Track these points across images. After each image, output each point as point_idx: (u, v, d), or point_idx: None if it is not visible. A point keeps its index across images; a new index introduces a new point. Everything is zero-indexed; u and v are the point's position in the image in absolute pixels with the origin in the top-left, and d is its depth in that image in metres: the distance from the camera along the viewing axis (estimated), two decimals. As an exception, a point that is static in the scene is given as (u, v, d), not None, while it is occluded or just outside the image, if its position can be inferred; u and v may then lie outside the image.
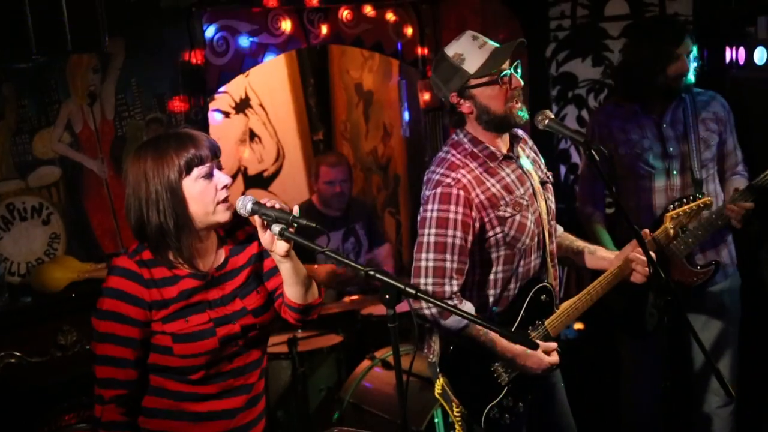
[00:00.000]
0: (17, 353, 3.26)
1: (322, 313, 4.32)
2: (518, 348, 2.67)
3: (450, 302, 2.60)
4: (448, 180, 2.62)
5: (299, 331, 4.16)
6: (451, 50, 2.67)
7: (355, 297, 4.57)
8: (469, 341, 2.67)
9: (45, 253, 3.46)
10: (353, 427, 3.62)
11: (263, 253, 2.40)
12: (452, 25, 4.81)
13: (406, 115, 5.31)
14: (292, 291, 2.33)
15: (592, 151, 2.60)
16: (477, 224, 2.64)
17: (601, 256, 2.92)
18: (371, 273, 2.05)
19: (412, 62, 4.85)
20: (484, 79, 2.62)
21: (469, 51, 2.63)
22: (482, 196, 2.63)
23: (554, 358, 2.72)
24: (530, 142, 2.91)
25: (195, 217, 2.24)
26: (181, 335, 2.24)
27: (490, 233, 2.66)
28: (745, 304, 3.68)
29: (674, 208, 3.03)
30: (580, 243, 2.99)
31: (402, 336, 2.33)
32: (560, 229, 3.03)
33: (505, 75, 2.63)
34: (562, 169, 4.82)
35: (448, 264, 2.61)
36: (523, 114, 2.67)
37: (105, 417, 2.26)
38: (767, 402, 3.99)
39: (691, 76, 3.43)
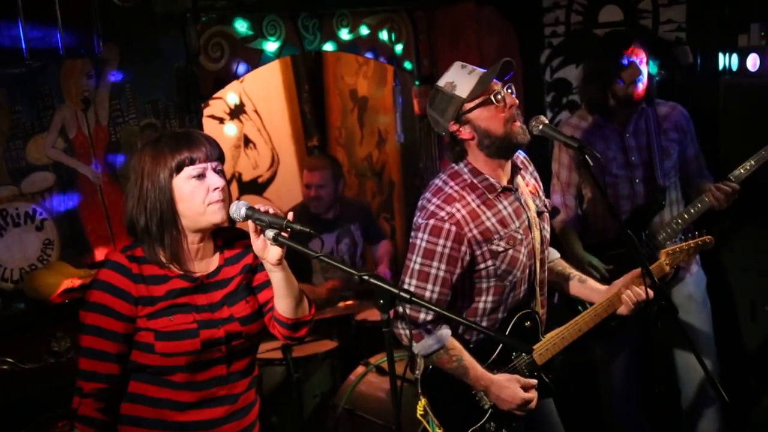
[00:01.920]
0: (10, 359, 3.23)
1: (317, 318, 4.32)
2: (494, 378, 2.65)
3: (423, 327, 2.61)
4: (442, 213, 2.61)
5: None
6: (442, 81, 2.67)
7: (349, 302, 4.56)
8: (440, 366, 2.66)
9: (38, 259, 3.44)
10: (348, 433, 3.61)
11: (258, 267, 2.39)
12: (447, 31, 4.81)
13: (401, 121, 5.30)
14: (282, 304, 2.31)
15: (586, 157, 2.60)
16: (467, 258, 2.63)
17: (591, 287, 2.93)
18: (365, 277, 2.04)
19: (407, 68, 4.85)
20: (477, 101, 2.61)
21: (459, 78, 2.64)
22: (476, 231, 2.62)
23: (531, 394, 2.68)
24: (531, 168, 2.89)
25: (186, 217, 2.25)
26: (163, 332, 2.24)
27: (482, 265, 2.66)
28: (714, 304, 3.76)
29: (672, 244, 3.02)
30: (572, 271, 2.99)
31: (396, 341, 2.33)
32: (556, 254, 3.03)
33: (498, 94, 2.62)
34: (557, 176, 4.82)
35: (427, 293, 2.61)
36: (525, 133, 2.65)
37: (81, 410, 2.25)
38: (751, 395, 4.00)
39: (641, 85, 3.52)
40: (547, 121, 2.71)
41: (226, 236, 2.36)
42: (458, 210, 2.61)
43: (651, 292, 2.74)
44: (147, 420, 2.30)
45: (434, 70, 4.82)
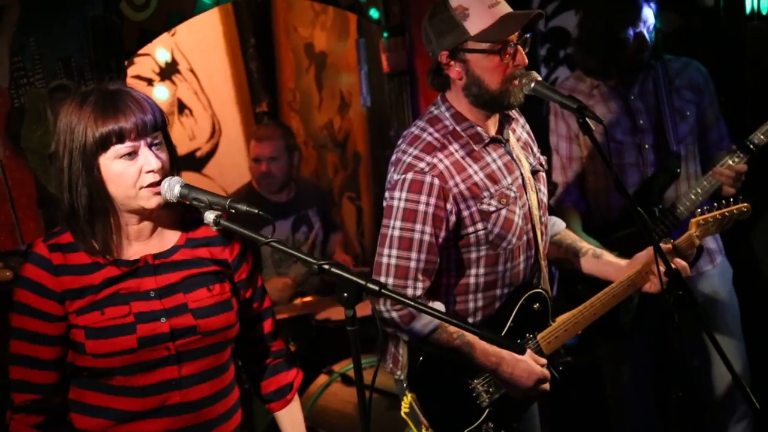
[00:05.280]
0: None
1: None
2: (504, 353, 2.67)
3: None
4: (422, 165, 2.62)
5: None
6: (455, 0, 2.63)
7: (308, 299, 4.55)
8: (440, 348, 2.67)
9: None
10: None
11: (245, 254, 2.40)
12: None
13: (367, 82, 5.28)
14: None
15: (587, 120, 2.60)
16: (453, 218, 2.64)
17: (608, 261, 2.95)
18: (326, 267, 2.04)
19: (373, 18, 4.82)
20: (484, 46, 2.61)
21: (476, 8, 2.60)
22: (462, 186, 2.64)
23: (546, 371, 2.72)
24: (522, 121, 2.92)
25: (117, 199, 2.22)
26: (93, 329, 2.22)
27: (470, 229, 2.67)
28: (743, 300, 3.77)
29: (702, 213, 3.05)
30: (584, 244, 3.00)
31: (365, 344, 2.32)
32: (561, 224, 3.06)
33: (510, 48, 2.61)
34: (554, 145, 4.84)
35: (413, 263, 2.62)
36: (521, 94, 2.66)
37: (12, 427, 2.27)
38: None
39: (649, 49, 3.55)
40: (539, 78, 2.71)
41: (196, 212, 2.26)
42: (440, 160, 2.63)
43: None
44: None
45: (406, 19, 4.79)
